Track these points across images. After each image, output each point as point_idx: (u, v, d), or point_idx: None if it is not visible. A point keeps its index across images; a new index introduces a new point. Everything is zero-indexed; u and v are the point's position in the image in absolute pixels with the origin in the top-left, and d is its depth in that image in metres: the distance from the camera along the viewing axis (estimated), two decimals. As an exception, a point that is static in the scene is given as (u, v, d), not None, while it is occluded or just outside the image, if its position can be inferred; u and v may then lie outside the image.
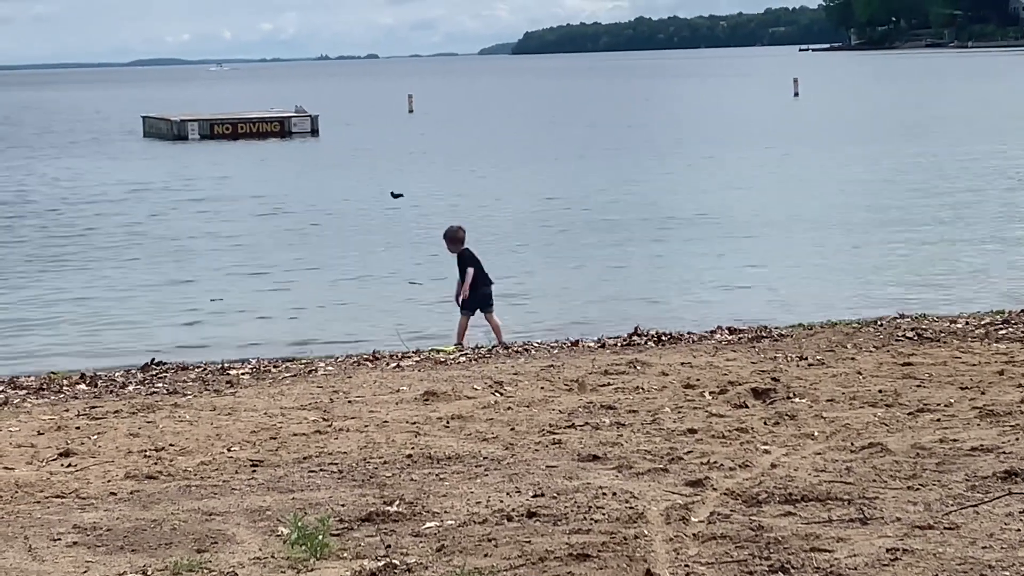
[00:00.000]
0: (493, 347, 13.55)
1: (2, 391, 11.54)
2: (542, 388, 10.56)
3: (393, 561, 6.18)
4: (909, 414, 9.17)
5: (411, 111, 77.62)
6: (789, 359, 11.44)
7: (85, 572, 6.24)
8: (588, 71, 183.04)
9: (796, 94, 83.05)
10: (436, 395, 10.31)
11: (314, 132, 59.28)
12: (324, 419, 9.63)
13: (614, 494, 7.26)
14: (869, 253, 22.53)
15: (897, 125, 53.51)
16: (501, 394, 10.36)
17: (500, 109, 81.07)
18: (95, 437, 9.25)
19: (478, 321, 15.09)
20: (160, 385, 11.58)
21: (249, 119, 60.77)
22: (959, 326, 13.21)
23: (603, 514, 6.87)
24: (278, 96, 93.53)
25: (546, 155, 44.55)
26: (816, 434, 8.68)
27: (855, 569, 5.85)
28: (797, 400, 9.72)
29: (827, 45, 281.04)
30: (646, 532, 6.50)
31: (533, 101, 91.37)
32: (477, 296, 14.86)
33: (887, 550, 6.08)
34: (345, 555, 6.36)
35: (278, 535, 6.70)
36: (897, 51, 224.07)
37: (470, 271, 14.85)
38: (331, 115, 65.55)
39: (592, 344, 13.25)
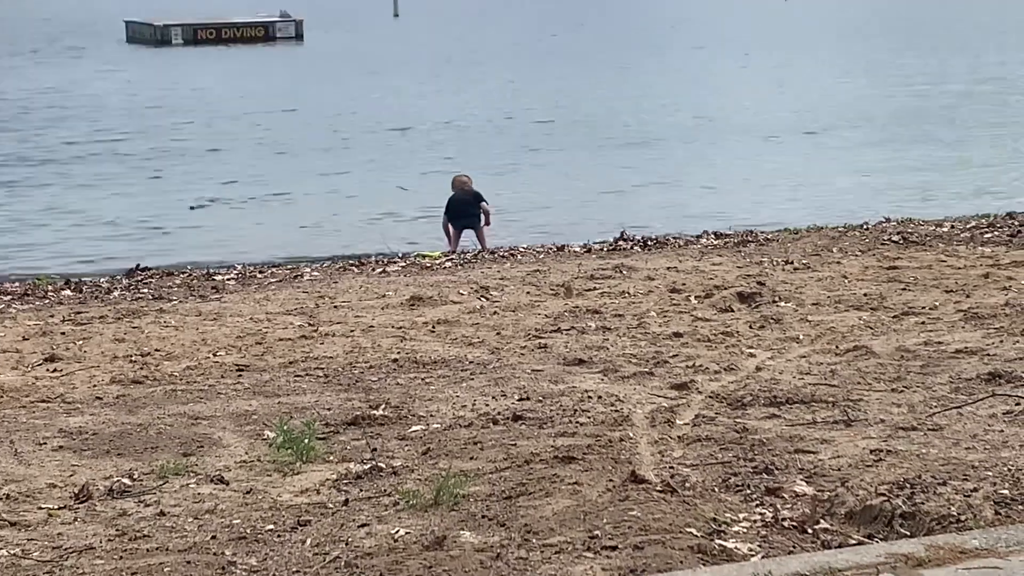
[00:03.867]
0: (478, 252, 13.54)
1: (-14, 297, 11.50)
2: (528, 293, 10.56)
3: (379, 464, 6.20)
4: (894, 317, 9.19)
5: (396, 15, 76.91)
6: (775, 263, 11.44)
7: (71, 475, 6.26)
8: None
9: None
10: (422, 300, 10.31)
11: (299, 37, 58.76)
12: (310, 324, 9.63)
13: (599, 397, 7.28)
14: (855, 157, 22.49)
15: (892, 30, 53.17)
16: (487, 299, 10.36)
17: (486, 13, 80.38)
18: (80, 342, 9.24)
19: (468, 235, 15.26)
20: (145, 291, 11.56)
21: (233, 24, 60.14)
22: (945, 230, 13.22)
23: (588, 417, 6.89)
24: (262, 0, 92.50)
25: (533, 61, 44.24)
26: (801, 337, 8.70)
27: (839, 470, 5.88)
28: (782, 304, 9.73)
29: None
30: (631, 435, 6.53)
31: (517, 6, 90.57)
32: (458, 223, 15.25)
33: (871, 451, 6.11)
34: (331, 458, 6.38)
35: (264, 439, 6.72)
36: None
37: (444, 219, 15.52)
38: (315, 19, 64.96)
39: (578, 249, 13.25)
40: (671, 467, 6.01)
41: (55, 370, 8.51)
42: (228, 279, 12.07)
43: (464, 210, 15.45)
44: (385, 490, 5.87)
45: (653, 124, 27.41)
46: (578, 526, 5.27)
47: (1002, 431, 6.37)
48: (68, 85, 39.28)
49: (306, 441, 6.39)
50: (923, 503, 5.35)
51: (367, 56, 47.77)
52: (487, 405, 7.23)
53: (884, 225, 13.84)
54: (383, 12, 78.07)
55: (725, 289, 10.27)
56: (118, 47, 58.64)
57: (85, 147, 26.20)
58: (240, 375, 8.22)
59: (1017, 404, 6.79)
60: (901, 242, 12.46)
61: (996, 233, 12.88)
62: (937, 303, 9.57)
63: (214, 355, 8.77)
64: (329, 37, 59.42)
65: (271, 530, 5.47)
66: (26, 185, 21.73)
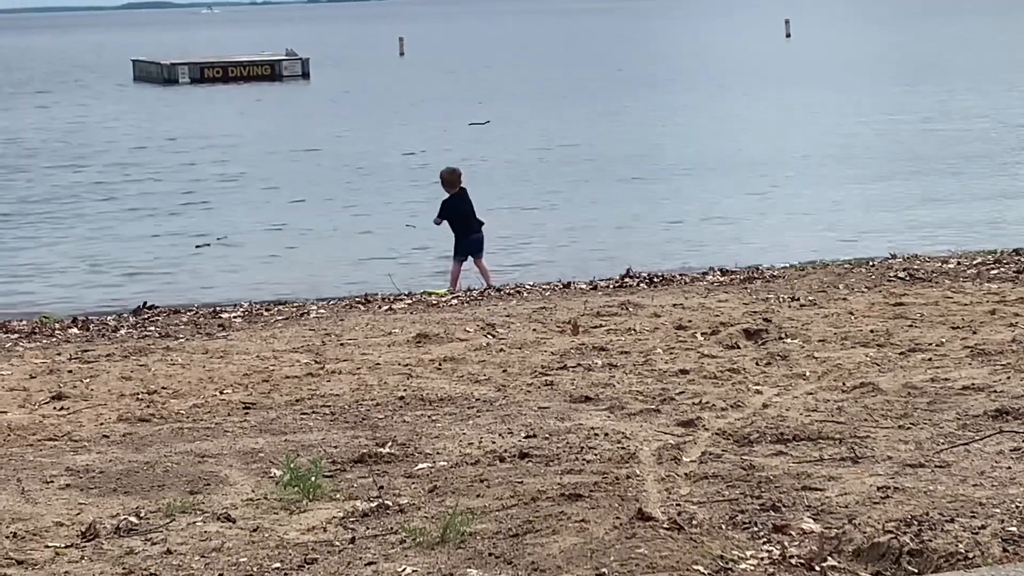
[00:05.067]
0: (485, 290, 13.54)
1: (-6, 335, 11.52)
2: (534, 330, 10.56)
3: (386, 502, 6.20)
4: (900, 354, 9.18)
5: (402, 54, 77.32)
6: (781, 300, 11.44)
7: (78, 514, 6.25)
8: (573, 12, 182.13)
9: (788, 35, 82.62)
10: (428, 337, 10.31)
11: (305, 75, 59.08)
12: (316, 361, 9.63)
13: (606, 435, 7.27)
14: (861, 194, 22.51)
15: (894, 67, 53.31)
16: (493, 336, 10.36)
17: (489, 52, 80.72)
18: (87, 380, 9.25)
19: (470, 266, 15.10)
20: (152, 328, 11.57)
21: (240, 62, 60.52)
22: (951, 266, 13.21)
23: (595, 454, 6.88)
24: (269, 39, 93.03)
25: (537, 98, 44.36)
26: (808, 374, 8.69)
27: (846, 507, 5.87)
28: (789, 340, 9.72)
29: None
30: (638, 472, 6.52)
31: (522, 43, 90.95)
32: (466, 243, 14.85)
33: (878, 488, 6.10)
34: (338, 496, 6.37)
35: (271, 477, 6.71)
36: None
37: (442, 215, 14.88)
38: (322, 59, 65.24)
39: (584, 286, 13.25)
40: (678, 504, 6.00)
41: (62, 408, 8.51)
42: (235, 317, 12.08)
43: (468, 217, 14.79)
44: (392, 528, 5.86)
45: (658, 161, 27.46)
46: (585, 564, 5.26)
47: (1010, 468, 6.36)
48: (76, 125, 39.47)
49: (313, 479, 6.39)
50: (931, 540, 5.34)
51: (374, 95, 47.96)
52: (494, 442, 7.23)
53: (890, 261, 13.84)
54: (389, 52, 78.40)
55: (731, 326, 10.26)
56: (125, 86, 58.91)
57: (92, 186, 26.30)
58: (247, 413, 8.22)
59: (1024, 441, 6.78)
60: (907, 278, 12.45)
61: (1003, 269, 12.87)
62: (944, 339, 9.56)
63: (221, 393, 8.77)
64: (335, 76, 59.67)
65: (278, 568, 5.46)
66: (35, 224, 21.78)
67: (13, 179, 27.52)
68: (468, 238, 14.82)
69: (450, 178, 15.05)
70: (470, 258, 14.97)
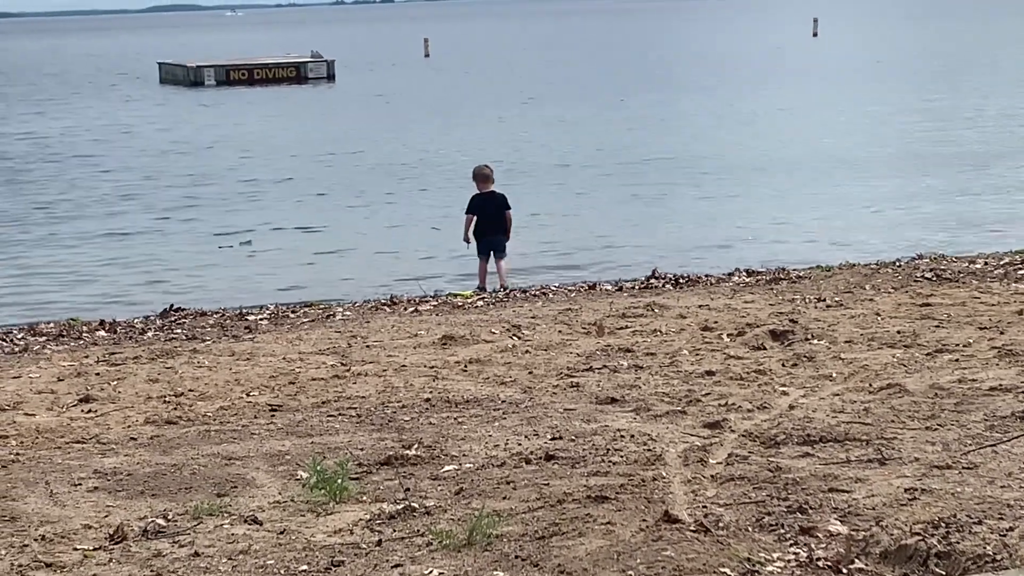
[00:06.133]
0: (510, 291, 13.55)
1: (22, 338, 11.59)
2: (560, 331, 10.56)
3: (412, 504, 6.21)
4: (927, 354, 9.16)
5: (427, 55, 77.44)
6: (807, 301, 11.42)
7: (106, 516, 6.28)
8: (601, 12, 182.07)
9: (815, 34, 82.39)
10: (454, 339, 10.33)
11: (330, 77, 59.17)
12: (342, 364, 9.66)
13: (632, 436, 7.27)
14: (888, 194, 22.43)
15: (923, 68, 53.08)
16: (519, 338, 10.37)
17: (514, 52, 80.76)
18: (115, 383, 9.29)
19: (494, 266, 15.10)
20: (179, 331, 11.62)
21: (265, 64, 60.65)
22: (978, 266, 13.17)
23: (621, 456, 6.88)
24: (294, 41, 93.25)
25: (566, 99, 44.34)
26: (834, 375, 8.67)
27: (873, 509, 5.85)
28: (815, 341, 9.71)
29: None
30: (664, 474, 6.51)
31: (548, 44, 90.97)
32: (484, 242, 14.86)
33: (905, 490, 6.08)
34: (364, 498, 6.39)
35: (297, 479, 6.74)
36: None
37: (467, 217, 14.87)
38: (347, 60, 65.32)
39: (610, 287, 13.25)
40: (704, 506, 5.99)
41: (90, 411, 8.55)
42: (261, 319, 12.12)
43: (492, 217, 14.80)
44: (418, 530, 5.87)
45: (683, 162, 27.41)
46: (611, 566, 5.26)
47: (1038, 469, 6.33)
48: (103, 128, 39.60)
49: (339, 481, 6.41)
50: (958, 542, 5.32)
51: (399, 97, 47.99)
52: (520, 444, 7.23)
53: (917, 262, 13.80)
54: (414, 53, 78.48)
55: (757, 327, 10.25)
56: (152, 88, 59.12)
57: (119, 189, 26.38)
58: (273, 415, 8.24)
59: (1053, 442, 6.75)
60: (934, 279, 12.42)
61: (1030, 269, 12.82)
62: (971, 340, 9.53)
63: (247, 395, 8.80)
64: (361, 77, 59.75)
65: (305, 571, 5.47)
66: (62, 227, 21.86)
67: (40, 182, 27.64)
68: (484, 239, 14.84)
69: (482, 173, 15.09)
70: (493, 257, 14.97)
